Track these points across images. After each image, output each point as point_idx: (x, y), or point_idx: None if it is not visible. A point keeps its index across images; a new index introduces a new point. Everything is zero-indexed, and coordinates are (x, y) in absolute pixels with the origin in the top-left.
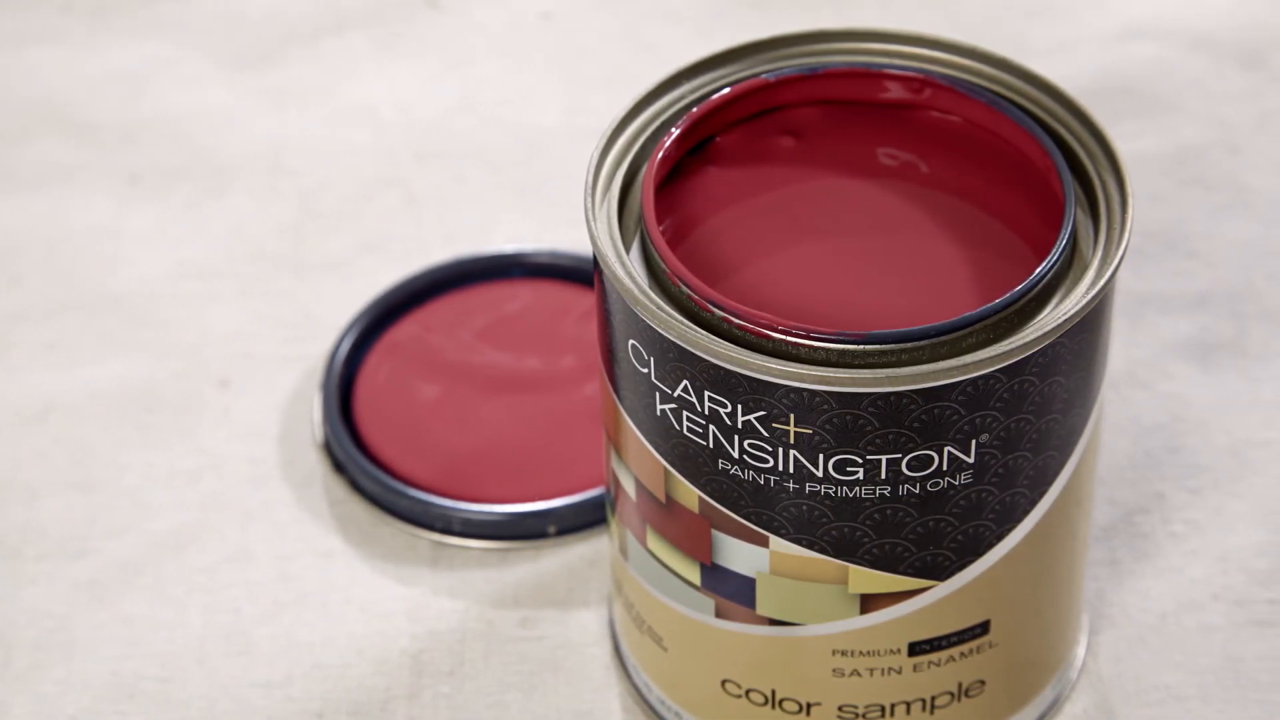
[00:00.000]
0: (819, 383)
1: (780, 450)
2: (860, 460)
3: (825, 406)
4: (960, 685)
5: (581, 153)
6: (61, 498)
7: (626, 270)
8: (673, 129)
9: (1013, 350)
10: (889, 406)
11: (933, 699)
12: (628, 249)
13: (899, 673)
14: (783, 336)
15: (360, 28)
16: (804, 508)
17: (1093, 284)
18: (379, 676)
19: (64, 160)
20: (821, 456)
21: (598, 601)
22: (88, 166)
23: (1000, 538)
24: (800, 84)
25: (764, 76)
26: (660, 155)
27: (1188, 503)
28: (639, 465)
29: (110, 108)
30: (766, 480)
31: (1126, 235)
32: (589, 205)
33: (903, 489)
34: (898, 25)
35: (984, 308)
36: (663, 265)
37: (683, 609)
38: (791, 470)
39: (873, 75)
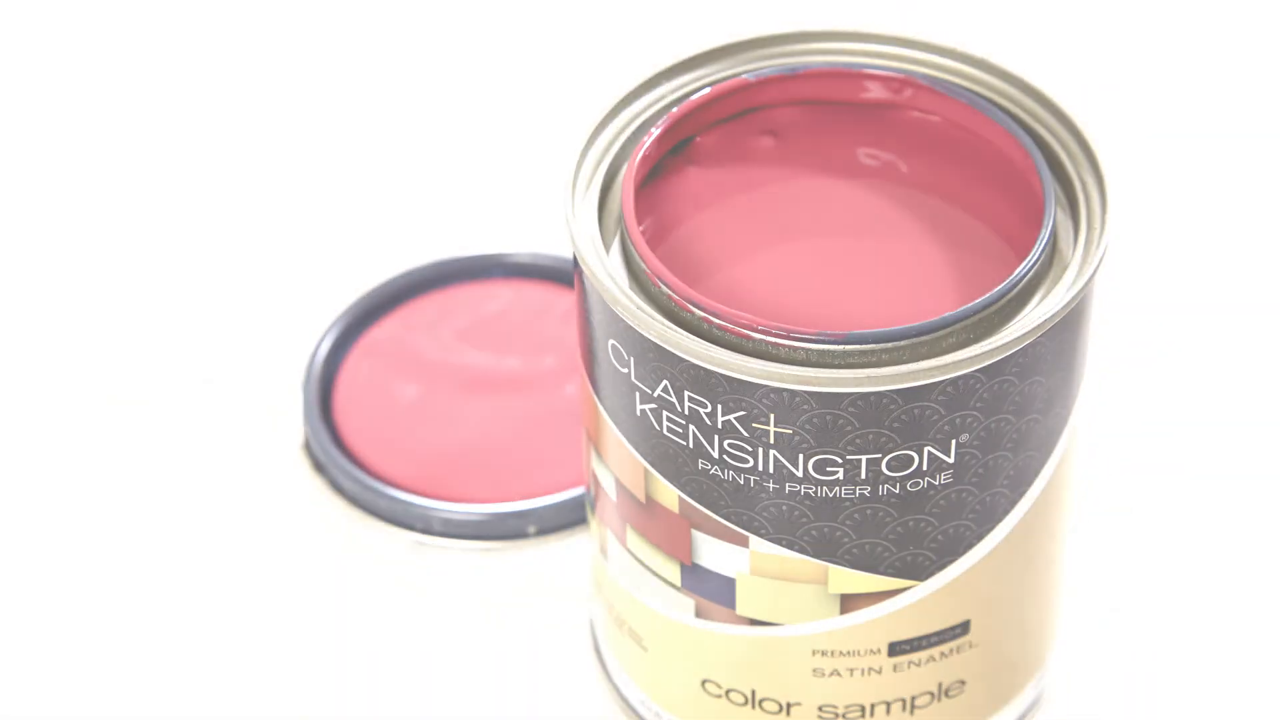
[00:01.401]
0: (799, 383)
1: (760, 450)
2: (840, 460)
3: (805, 406)
4: (940, 685)
5: (561, 152)
6: (42, 498)
7: (606, 270)
8: (653, 129)
9: (993, 350)
10: (869, 407)
11: (913, 699)
12: (607, 249)
13: (879, 673)
14: (763, 337)
15: (343, 25)
16: (784, 508)
17: (1073, 284)
18: (358, 677)
19: None
20: (801, 456)
21: (577, 602)
22: None
23: (980, 538)
24: (781, 84)
25: (744, 76)
26: (640, 155)
27: (1166, 504)
28: (619, 465)
29: None
30: (746, 480)
31: (1107, 235)
32: (569, 205)
33: (883, 489)
34: (878, 25)
35: (964, 308)
36: (642, 265)
37: (663, 609)
38: (771, 470)
39: (853, 75)
